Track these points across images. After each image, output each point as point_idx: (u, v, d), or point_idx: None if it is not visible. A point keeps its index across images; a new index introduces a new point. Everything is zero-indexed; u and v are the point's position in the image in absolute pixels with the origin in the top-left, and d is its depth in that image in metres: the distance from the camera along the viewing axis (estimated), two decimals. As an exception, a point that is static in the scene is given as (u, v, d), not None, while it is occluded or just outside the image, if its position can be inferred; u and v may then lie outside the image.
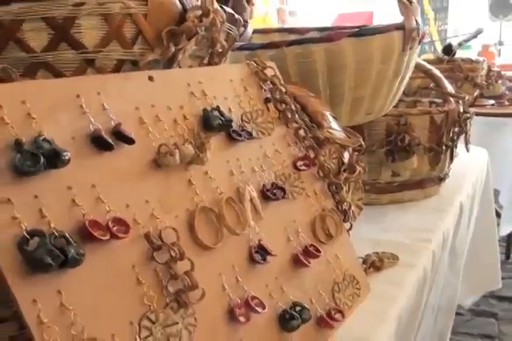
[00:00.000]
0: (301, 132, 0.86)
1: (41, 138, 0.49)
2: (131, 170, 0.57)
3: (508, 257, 3.58)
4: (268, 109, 0.82)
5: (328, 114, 0.96)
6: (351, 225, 0.92)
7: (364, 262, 0.98)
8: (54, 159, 0.49)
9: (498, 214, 2.90)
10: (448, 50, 2.26)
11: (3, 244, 0.44)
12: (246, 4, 0.92)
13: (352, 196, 0.96)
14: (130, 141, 0.57)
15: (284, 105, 0.84)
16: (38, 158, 0.47)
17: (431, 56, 2.27)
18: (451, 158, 1.52)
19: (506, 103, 3.07)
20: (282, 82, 0.85)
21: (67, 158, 0.49)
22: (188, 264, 0.57)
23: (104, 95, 0.57)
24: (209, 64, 0.76)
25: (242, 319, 0.62)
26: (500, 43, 11.55)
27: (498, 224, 2.80)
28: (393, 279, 0.96)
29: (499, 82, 3.14)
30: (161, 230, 0.57)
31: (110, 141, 0.54)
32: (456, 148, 1.51)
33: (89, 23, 0.60)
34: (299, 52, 1.04)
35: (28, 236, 0.45)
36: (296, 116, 0.85)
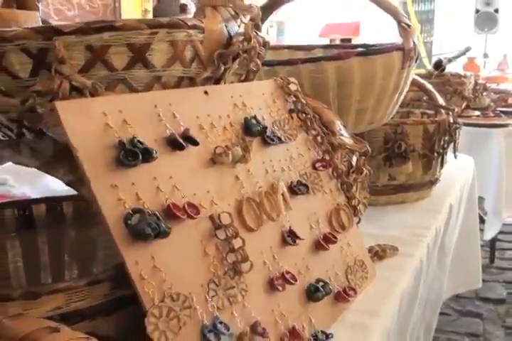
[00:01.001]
0: (319, 138, 1.01)
1: (136, 140, 0.63)
2: (196, 166, 0.72)
3: (492, 261, 3.75)
4: (292, 118, 0.97)
5: (339, 123, 1.11)
6: (359, 219, 1.07)
7: (369, 252, 1.13)
8: (146, 156, 0.63)
9: (483, 220, 3.07)
10: (438, 65, 2.43)
11: (113, 219, 0.59)
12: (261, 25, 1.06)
13: (359, 194, 1.10)
14: (195, 143, 0.71)
15: (304, 115, 0.99)
16: (137, 155, 0.62)
17: (423, 71, 2.43)
18: (442, 164, 1.67)
19: (491, 114, 3.25)
20: (303, 95, 1.00)
21: (155, 155, 0.64)
22: (240, 241, 0.71)
23: (174, 106, 0.72)
24: (245, 80, 0.90)
25: (279, 288, 0.76)
26: (486, 56, 11.84)
27: (482, 230, 2.97)
28: (394, 266, 1.11)
29: (484, 94, 3.33)
30: (219, 214, 0.71)
31: (183, 142, 0.69)
32: (446, 155, 1.67)
33: (160, 47, 0.74)
34: (313, 69, 1.19)
35: (131, 213, 0.60)
36: (315, 124, 1.00)
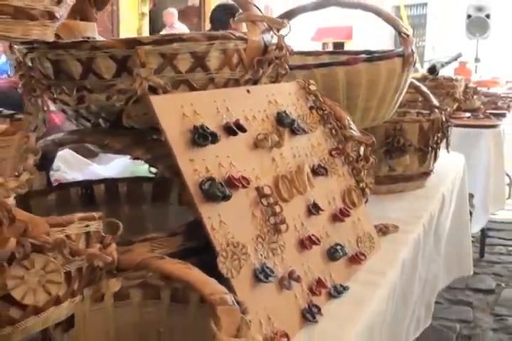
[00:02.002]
0: (333, 131, 1.21)
1: (204, 126, 0.83)
2: (244, 148, 0.91)
3: (482, 255, 3.95)
4: (312, 114, 1.16)
5: (348, 118, 1.30)
6: (367, 199, 1.26)
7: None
8: (213, 138, 0.82)
9: (471, 214, 3.28)
10: (432, 70, 2.64)
11: (192, 184, 0.78)
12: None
13: (366, 179, 1.30)
14: (244, 130, 0.91)
15: (322, 111, 1.19)
16: (207, 137, 0.81)
17: (418, 75, 2.63)
18: (435, 158, 1.87)
19: (481, 116, 3.46)
20: (320, 95, 1.20)
21: (219, 138, 0.83)
22: (278, 208, 0.91)
23: (227, 101, 0.92)
24: (275, 81, 1.10)
25: (307, 247, 0.96)
26: (477, 60, 12.09)
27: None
28: (396, 240, 1.31)
29: (475, 97, 3.54)
30: (262, 186, 0.90)
31: (236, 129, 0.88)
32: (439, 149, 1.87)
33: (214, 55, 0.94)
34: (325, 72, 1.38)
35: (205, 180, 0.79)
36: (330, 119, 1.20)
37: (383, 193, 1.74)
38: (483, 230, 3.80)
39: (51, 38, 0.86)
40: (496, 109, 3.84)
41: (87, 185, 1.18)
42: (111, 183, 1.19)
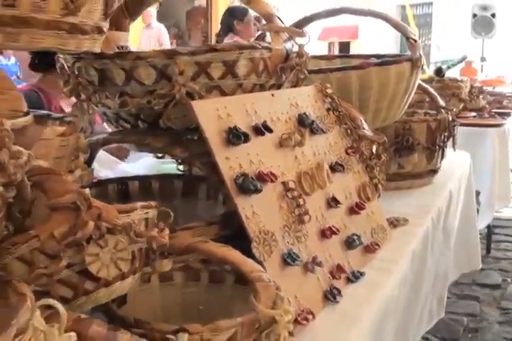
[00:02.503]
0: (349, 131, 1.31)
1: (237, 127, 0.93)
2: (270, 147, 1.02)
3: (488, 252, 4.04)
4: (329, 115, 1.26)
5: (362, 119, 1.40)
6: (379, 194, 1.36)
7: (386, 222, 1.42)
8: (245, 138, 0.93)
9: (477, 211, 3.37)
10: (439, 72, 2.74)
11: (228, 179, 0.89)
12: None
13: (378, 175, 1.40)
14: (270, 131, 1.01)
15: (338, 112, 1.29)
16: (240, 137, 0.91)
17: (425, 76, 2.73)
18: (442, 156, 1.97)
19: (486, 115, 3.55)
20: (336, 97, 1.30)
21: (250, 138, 0.93)
22: (302, 200, 1.01)
23: (255, 104, 1.02)
24: (296, 85, 1.20)
25: (328, 236, 1.06)
26: (483, 59, 12.15)
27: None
28: (406, 232, 1.41)
29: (480, 97, 3.63)
30: (288, 181, 1.01)
31: (264, 129, 0.99)
32: (446, 148, 1.97)
33: (243, 63, 1.04)
34: (340, 76, 1.49)
35: (239, 176, 0.89)
36: (346, 120, 1.30)
37: (393, 189, 1.83)
38: (489, 227, 3.89)
39: (98, 50, 0.96)
40: (501, 108, 3.93)
41: (123, 182, 1.28)
42: (144, 180, 1.29)
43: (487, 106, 3.72)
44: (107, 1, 0.92)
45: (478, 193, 3.34)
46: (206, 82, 1.02)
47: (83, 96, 1.06)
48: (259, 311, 0.72)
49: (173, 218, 1.32)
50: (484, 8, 12.85)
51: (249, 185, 0.89)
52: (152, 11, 8.79)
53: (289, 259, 0.92)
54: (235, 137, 0.91)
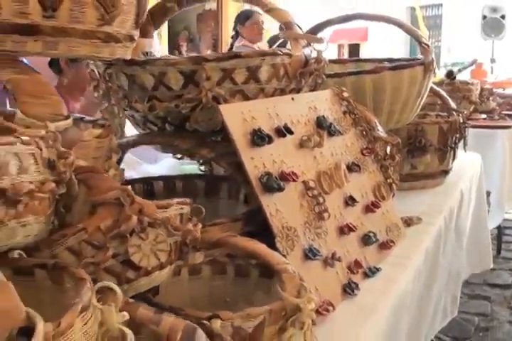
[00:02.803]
0: (364, 132, 1.36)
1: (261, 129, 0.99)
2: (291, 148, 1.07)
3: (499, 252, 4.07)
4: (345, 117, 1.32)
5: (376, 121, 1.46)
6: (394, 193, 1.41)
7: (399, 220, 1.47)
8: (269, 139, 0.98)
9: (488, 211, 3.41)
10: (450, 75, 2.79)
11: (253, 178, 0.94)
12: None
13: (393, 175, 1.45)
14: (291, 133, 1.07)
15: (354, 115, 1.35)
16: (264, 139, 0.97)
17: (437, 79, 2.78)
18: (454, 157, 2.02)
19: (496, 117, 3.59)
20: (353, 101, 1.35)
21: (273, 139, 0.99)
22: (321, 199, 1.07)
23: (276, 108, 1.08)
24: (314, 89, 1.26)
25: (346, 233, 1.11)
26: (493, 61, 12.15)
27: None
28: (420, 231, 1.46)
29: (490, 99, 3.67)
30: (308, 180, 1.06)
31: (285, 131, 1.04)
32: (457, 149, 2.01)
33: (265, 69, 1.10)
34: (354, 80, 1.54)
35: (263, 175, 0.95)
36: (361, 122, 1.35)
37: (406, 189, 1.88)
38: (499, 228, 3.92)
39: (129, 56, 1.02)
40: (511, 110, 3.96)
41: (148, 182, 1.34)
42: (168, 180, 1.35)
43: (497, 108, 3.76)
44: (138, 11, 0.98)
45: (488, 193, 3.38)
46: (230, 87, 1.08)
47: (113, 101, 1.12)
48: (285, 299, 0.77)
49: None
50: (494, 9, 12.85)
51: (272, 183, 0.95)
52: None
53: (310, 254, 0.98)
54: (259, 138, 0.97)
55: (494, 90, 4.25)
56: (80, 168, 0.74)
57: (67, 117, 0.85)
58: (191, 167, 1.63)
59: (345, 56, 20.52)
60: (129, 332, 0.50)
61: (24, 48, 0.89)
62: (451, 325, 2.99)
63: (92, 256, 0.67)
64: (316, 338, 0.83)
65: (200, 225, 0.80)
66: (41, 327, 0.41)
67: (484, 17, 12.93)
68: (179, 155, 1.42)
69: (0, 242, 0.60)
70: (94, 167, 0.76)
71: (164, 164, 1.69)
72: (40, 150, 0.65)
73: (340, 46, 21.21)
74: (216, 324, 0.72)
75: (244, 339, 0.74)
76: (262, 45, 4.93)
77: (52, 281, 0.60)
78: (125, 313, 0.52)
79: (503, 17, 12.75)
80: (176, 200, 0.75)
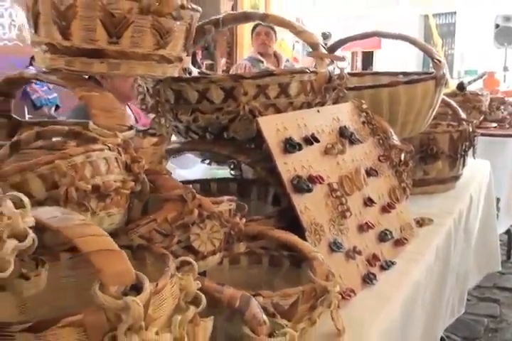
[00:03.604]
0: (381, 141, 1.51)
1: (292, 138, 1.14)
2: (318, 154, 1.22)
3: (509, 257, 4.19)
4: (364, 127, 1.47)
5: (391, 130, 1.60)
6: (407, 196, 1.56)
7: (413, 221, 1.61)
8: (299, 147, 1.14)
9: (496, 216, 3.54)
10: (461, 86, 2.93)
11: (286, 180, 1.09)
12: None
13: (406, 180, 1.60)
14: (318, 141, 1.22)
15: (372, 125, 1.49)
16: (295, 146, 1.12)
17: (448, 91, 2.91)
18: (464, 164, 2.16)
19: (507, 126, 3.72)
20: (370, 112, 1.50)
21: (302, 147, 1.14)
22: (344, 199, 1.21)
23: (304, 119, 1.23)
24: (336, 102, 1.41)
25: (365, 230, 1.26)
26: (505, 69, 12.22)
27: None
28: (431, 231, 1.60)
29: (501, 108, 3.80)
30: (332, 183, 1.21)
31: (312, 140, 1.19)
32: (467, 156, 2.15)
33: (295, 85, 1.25)
34: (372, 92, 1.69)
35: (295, 178, 1.10)
36: (378, 131, 1.50)
37: (419, 194, 2.02)
38: (509, 234, 4.04)
39: (177, 74, 1.18)
40: (522, 119, 4.09)
41: (187, 184, 1.49)
42: (204, 183, 1.50)
43: (508, 116, 3.88)
44: (187, 36, 1.14)
45: (498, 200, 3.51)
46: (264, 101, 1.23)
47: (161, 113, 1.27)
48: (315, 282, 0.92)
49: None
50: (507, 18, 12.93)
51: (302, 185, 1.10)
52: None
53: (334, 247, 1.13)
54: (290, 146, 1.12)
55: (506, 99, 4.38)
56: (147, 170, 0.89)
57: (130, 128, 1.00)
58: (223, 171, 1.78)
59: (359, 63, 20.65)
60: (202, 295, 0.65)
61: (91, 69, 1.05)
62: (461, 325, 3.14)
63: (160, 242, 0.82)
64: (340, 317, 0.98)
65: (244, 219, 0.95)
66: (147, 284, 0.56)
67: (497, 26, 13.00)
68: (207, 161, 1.58)
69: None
70: (158, 170, 0.91)
71: (197, 169, 1.84)
72: (120, 155, 0.81)
73: (353, 53, 21.33)
74: (259, 299, 0.87)
75: (281, 314, 0.89)
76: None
77: (135, 259, 0.75)
78: (198, 282, 0.67)
79: (515, 26, 12.80)
80: (226, 197, 0.91)
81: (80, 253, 0.55)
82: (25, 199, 0.54)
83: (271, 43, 4.72)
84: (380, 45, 21.36)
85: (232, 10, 16.34)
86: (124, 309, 0.52)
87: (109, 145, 0.78)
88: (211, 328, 0.66)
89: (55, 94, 13.46)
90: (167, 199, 0.84)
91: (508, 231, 3.96)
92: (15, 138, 0.81)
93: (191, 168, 1.88)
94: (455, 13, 21.46)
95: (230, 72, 4.84)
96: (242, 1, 15.32)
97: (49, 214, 0.58)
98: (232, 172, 1.60)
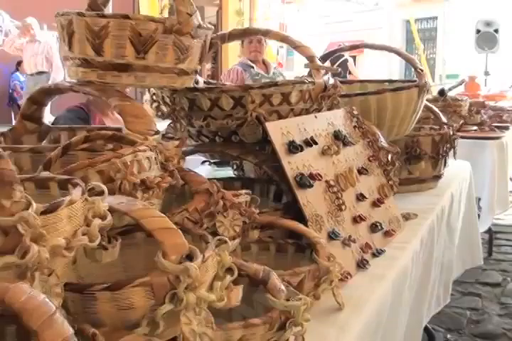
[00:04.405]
0: (370, 143, 1.68)
1: (295, 141, 1.30)
2: (316, 155, 1.39)
3: (490, 254, 4.39)
4: (355, 131, 1.64)
5: (379, 133, 1.78)
6: (394, 193, 1.73)
7: (399, 215, 1.78)
8: (301, 148, 1.30)
9: (478, 216, 3.73)
10: (442, 93, 3.13)
11: (291, 177, 1.26)
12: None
13: (393, 178, 1.77)
14: (316, 143, 1.38)
15: (362, 129, 1.66)
16: (297, 148, 1.29)
17: (430, 97, 3.10)
18: (445, 164, 2.34)
19: (487, 129, 3.92)
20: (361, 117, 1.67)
21: (303, 148, 1.31)
22: (340, 194, 1.38)
23: (304, 124, 1.39)
24: (331, 109, 1.57)
25: (358, 221, 1.42)
26: (487, 73, 12.48)
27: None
28: (416, 223, 1.77)
29: (482, 111, 4.01)
30: (329, 180, 1.38)
31: (312, 142, 1.36)
32: (448, 157, 2.33)
33: (295, 93, 1.41)
34: (362, 99, 1.86)
35: (298, 175, 1.26)
36: (368, 134, 1.67)
37: (404, 192, 2.20)
38: (490, 232, 4.24)
39: (192, 85, 1.34)
40: (501, 122, 4.29)
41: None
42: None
43: (488, 120, 4.09)
44: (202, 52, 1.30)
45: (478, 199, 3.70)
46: (268, 108, 1.39)
47: (177, 119, 1.43)
48: (319, 263, 1.08)
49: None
50: (488, 24, 13.19)
51: (305, 181, 1.26)
52: (32, 20, 8.01)
53: (332, 235, 1.29)
54: (294, 148, 1.28)
55: (486, 103, 4.59)
56: (177, 168, 1.05)
57: (157, 132, 1.16)
58: (224, 172, 1.95)
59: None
60: (235, 267, 0.81)
61: (120, 81, 1.21)
62: (446, 317, 3.32)
63: (191, 229, 0.98)
64: (340, 293, 1.14)
65: (257, 210, 1.11)
66: (198, 253, 0.72)
67: (478, 31, 13.22)
68: (207, 163, 1.73)
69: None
70: (184, 167, 1.07)
71: (201, 170, 2.00)
72: (157, 154, 0.97)
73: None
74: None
75: (291, 290, 1.05)
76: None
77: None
78: (229, 257, 0.83)
79: (496, 31, 13.05)
80: (243, 191, 1.07)
81: (145, 231, 0.71)
82: (104, 188, 0.69)
83: (262, 50, 4.89)
84: (362, 49, 21.68)
85: (217, 15, 16.56)
86: (183, 272, 0.68)
87: (150, 146, 0.94)
88: (241, 294, 0.82)
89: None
90: (196, 192, 1.00)
91: (489, 230, 4.16)
92: (67, 142, 0.97)
93: (195, 170, 2.03)
94: (436, 18, 21.83)
95: (222, 77, 5.01)
96: (226, 6, 15.51)
97: (118, 200, 0.74)
98: (235, 172, 1.76)
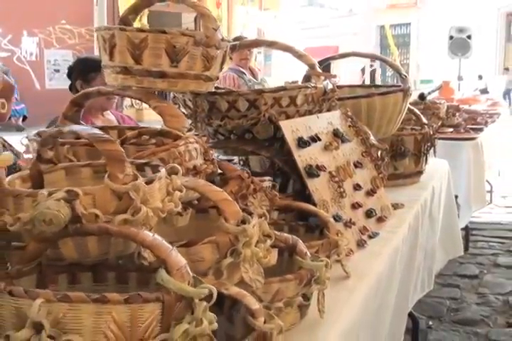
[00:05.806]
0: (363, 140, 1.90)
1: (303, 137, 1.52)
2: (320, 149, 1.61)
3: (467, 249, 4.64)
4: (350, 129, 1.86)
5: (370, 132, 2.00)
6: (384, 184, 1.95)
7: (389, 205, 2.01)
8: (309, 143, 1.52)
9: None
10: (422, 96, 3.39)
11: (302, 169, 1.47)
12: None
13: (383, 171, 1.99)
14: (320, 140, 1.60)
15: (356, 128, 1.89)
16: (305, 143, 1.50)
17: (411, 100, 3.35)
18: (426, 161, 2.58)
19: (462, 130, 4.19)
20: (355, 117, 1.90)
21: (310, 144, 1.52)
22: (340, 184, 1.60)
23: (309, 123, 1.61)
24: (329, 110, 1.80)
25: (356, 208, 1.64)
26: (460, 78, 12.85)
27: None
28: (403, 212, 2.00)
29: (457, 114, 4.28)
30: (331, 171, 1.60)
31: (316, 138, 1.58)
32: (429, 155, 2.57)
33: (300, 97, 1.63)
34: (354, 102, 2.08)
35: (308, 166, 1.48)
36: (361, 132, 1.90)
37: (390, 186, 2.42)
38: (467, 229, 4.50)
39: (213, 89, 1.55)
40: (475, 124, 4.57)
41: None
42: (223, 176, 1.86)
43: (463, 122, 4.36)
44: (222, 61, 1.51)
45: (456, 197, 3.95)
46: (278, 109, 1.61)
47: (197, 119, 1.64)
48: (330, 238, 1.30)
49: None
50: (460, 30, 13.56)
51: (313, 171, 1.48)
52: None
53: (337, 218, 1.51)
54: (303, 143, 1.50)
55: (461, 106, 4.87)
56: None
57: (190, 129, 1.37)
58: (230, 168, 2.15)
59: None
60: (272, 234, 1.02)
61: (155, 86, 1.41)
62: (427, 306, 3.56)
63: (227, 208, 1.19)
64: (347, 264, 1.36)
65: (277, 194, 1.32)
66: (250, 219, 0.93)
67: (451, 37, 13.54)
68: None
69: (186, 198, 1.12)
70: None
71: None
72: (199, 146, 1.18)
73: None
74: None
75: (308, 259, 1.26)
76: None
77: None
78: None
79: (469, 37, 13.36)
80: (266, 177, 1.28)
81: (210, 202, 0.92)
82: (179, 168, 0.90)
83: (251, 58, 5.11)
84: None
85: (195, 22, 16.75)
86: (242, 232, 0.89)
87: (196, 139, 1.14)
88: (276, 255, 1.03)
89: (23, 105, 13.61)
90: (231, 177, 1.21)
91: (466, 227, 4.42)
92: (123, 136, 1.17)
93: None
94: (410, 24, 22.33)
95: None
96: (205, 13, 15.61)
97: (182, 179, 0.95)
98: (242, 167, 1.97)
